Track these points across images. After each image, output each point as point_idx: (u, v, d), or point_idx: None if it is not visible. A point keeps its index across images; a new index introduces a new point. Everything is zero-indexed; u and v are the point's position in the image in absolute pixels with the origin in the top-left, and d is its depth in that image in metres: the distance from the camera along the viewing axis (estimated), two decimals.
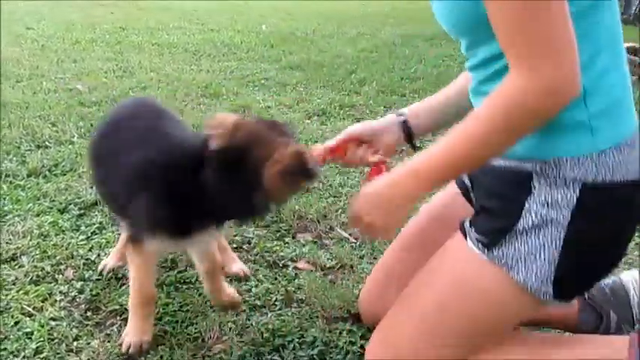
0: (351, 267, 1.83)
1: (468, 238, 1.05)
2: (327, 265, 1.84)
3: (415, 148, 1.32)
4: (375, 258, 1.88)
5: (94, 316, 1.56)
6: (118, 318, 1.55)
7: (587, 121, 0.95)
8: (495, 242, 0.99)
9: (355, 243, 1.98)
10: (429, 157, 1.00)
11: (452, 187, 1.36)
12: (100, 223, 2.04)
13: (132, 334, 1.42)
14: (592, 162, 0.95)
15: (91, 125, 3.09)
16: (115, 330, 1.50)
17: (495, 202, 1.03)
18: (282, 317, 1.57)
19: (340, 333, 1.51)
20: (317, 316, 1.57)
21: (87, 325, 1.52)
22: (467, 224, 1.08)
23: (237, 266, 1.77)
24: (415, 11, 9.43)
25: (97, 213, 2.11)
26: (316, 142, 2.55)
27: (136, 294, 1.44)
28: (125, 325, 1.51)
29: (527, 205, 0.97)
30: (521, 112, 0.90)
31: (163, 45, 5.72)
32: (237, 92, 4.02)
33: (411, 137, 1.33)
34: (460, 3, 0.98)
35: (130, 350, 1.40)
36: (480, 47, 1.04)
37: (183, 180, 1.23)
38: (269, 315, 1.59)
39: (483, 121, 0.94)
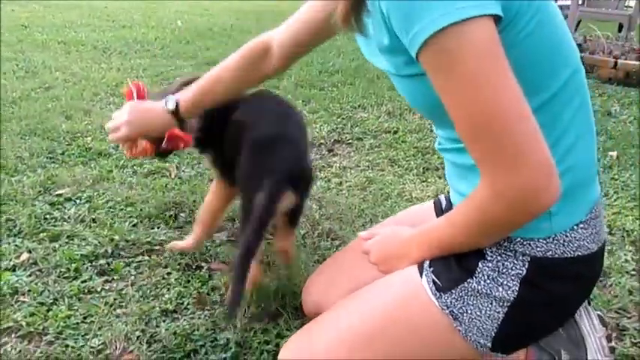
0: (267, 265, 1.79)
1: (423, 275, 1.02)
2: None
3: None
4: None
5: None
6: (13, 336, 1.43)
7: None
8: (447, 289, 0.99)
9: (270, 240, 1.93)
10: (431, 239, 1.03)
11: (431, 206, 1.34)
12: None
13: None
14: (544, 241, 0.94)
15: None
16: (9, 349, 1.38)
17: (455, 256, 1.01)
18: (194, 321, 1.50)
19: (255, 333, 1.46)
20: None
21: None
22: (426, 262, 1.04)
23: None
24: None
25: None
26: None
27: None
28: (21, 343, 1.40)
29: (480, 266, 0.97)
30: (497, 224, 0.88)
31: (70, 43, 5.41)
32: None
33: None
34: (418, 88, 0.92)
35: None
36: (446, 128, 1.01)
37: None
38: (180, 320, 1.52)
39: (460, 229, 0.94)
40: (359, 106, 3.72)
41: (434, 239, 1.01)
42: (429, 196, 2.34)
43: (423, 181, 2.53)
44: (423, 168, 2.67)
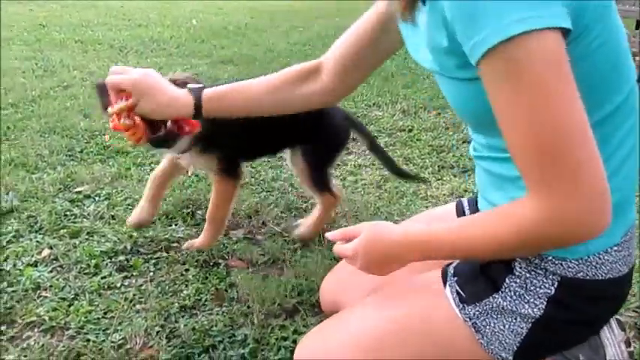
0: (284, 262, 1.80)
1: (447, 286, 1.02)
2: (260, 261, 1.81)
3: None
4: (311, 251, 1.86)
5: (9, 330, 1.46)
6: (36, 330, 1.46)
7: None
8: (472, 302, 0.98)
9: (288, 237, 1.95)
10: (430, 243, 0.94)
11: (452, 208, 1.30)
12: (17, 231, 1.92)
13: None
14: (576, 262, 0.92)
15: (8, 128, 2.91)
16: (32, 343, 1.41)
17: (481, 268, 1.01)
18: (212, 317, 1.52)
19: (272, 329, 1.48)
20: (249, 314, 1.54)
21: (1, 339, 1.42)
22: (450, 271, 1.04)
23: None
24: (345, 4, 9.47)
25: (12, 221, 1.99)
26: None
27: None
28: (43, 337, 1.43)
29: (507, 281, 0.97)
30: (535, 245, 0.82)
31: (87, 42, 5.48)
32: None
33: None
34: (467, 92, 0.87)
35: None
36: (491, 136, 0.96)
37: None
38: (199, 316, 1.54)
39: (484, 242, 0.86)
40: (374, 104, 3.72)
41: (445, 244, 0.93)
42: (444, 195, 2.34)
43: (438, 180, 2.52)
44: (438, 166, 2.67)
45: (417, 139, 3.04)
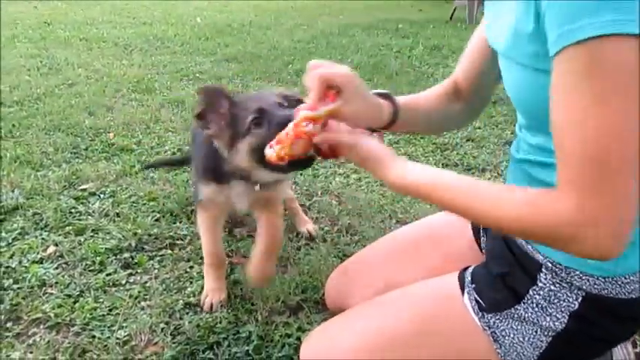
0: (288, 259, 1.81)
1: (465, 293, 1.02)
2: None
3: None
4: (312, 248, 1.87)
5: (15, 327, 1.47)
6: (42, 327, 1.47)
7: None
8: (492, 311, 0.98)
9: (292, 235, 1.95)
10: (424, 175, 0.90)
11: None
12: (22, 228, 1.93)
13: (210, 296, 1.57)
14: (602, 280, 0.92)
15: (13, 126, 2.93)
16: (38, 339, 1.42)
17: (501, 277, 1.00)
18: (216, 314, 1.53)
19: (276, 327, 1.48)
20: (254, 311, 1.54)
21: (7, 336, 1.43)
22: (468, 278, 1.04)
23: (309, 226, 1.97)
24: (350, 2, 9.46)
25: (18, 218, 2.00)
26: None
27: (206, 256, 1.60)
28: (49, 333, 1.44)
29: (530, 293, 0.96)
30: (545, 234, 0.79)
31: (92, 40, 5.49)
32: (170, 87, 3.90)
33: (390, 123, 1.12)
34: (531, 81, 0.85)
35: (212, 308, 1.55)
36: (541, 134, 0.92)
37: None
38: (203, 312, 1.54)
39: (501, 208, 0.81)
40: None
41: (448, 189, 0.88)
42: None
43: None
44: (442, 164, 2.67)
45: (421, 137, 3.03)
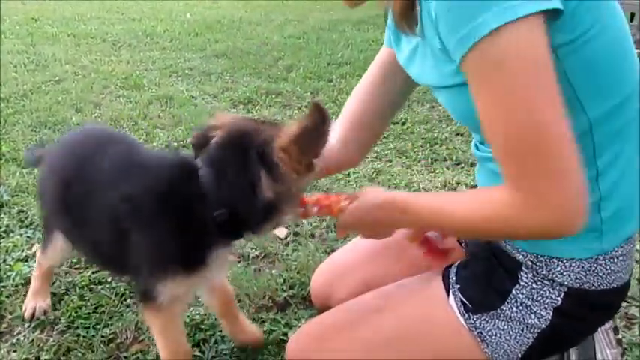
0: (275, 255, 1.80)
1: (450, 294, 1.02)
2: (251, 255, 1.80)
3: None
4: (300, 244, 1.86)
5: None
6: (26, 325, 1.46)
7: (599, 226, 0.89)
8: (478, 311, 0.99)
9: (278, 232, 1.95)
10: (420, 204, 0.93)
11: None
12: (7, 226, 1.91)
13: None
14: (583, 271, 0.93)
15: None
16: (22, 338, 1.41)
17: (484, 276, 1.01)
18: (203, 311, 1.52)
19: (263, 322, 1.48)
20: (241, 307, 1.53)
21: None
22: (452, 277, 1.04)
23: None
24: None
25: (3, 216, 1.98)
26: None
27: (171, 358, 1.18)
28: (33, 332, 1.42)
29: (513, 292, 0.97)
30: (510, 232, 0.85)
31: (80, 36, 5.44)
32: (159, 83, 3.88)
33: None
34: (460, 95, 0.86)
35: None
36: None
37: (182, 200, 1.01)
38: (191, 309, 1.53)
39: (468, 219, 0.86)
40: None
41: (423, 214, 0.92)
42: (436, 187, 2.34)
43: (431, 172, 2.52)
44: (431, 159, 2.67)
45: (411, 132, 3.03)
